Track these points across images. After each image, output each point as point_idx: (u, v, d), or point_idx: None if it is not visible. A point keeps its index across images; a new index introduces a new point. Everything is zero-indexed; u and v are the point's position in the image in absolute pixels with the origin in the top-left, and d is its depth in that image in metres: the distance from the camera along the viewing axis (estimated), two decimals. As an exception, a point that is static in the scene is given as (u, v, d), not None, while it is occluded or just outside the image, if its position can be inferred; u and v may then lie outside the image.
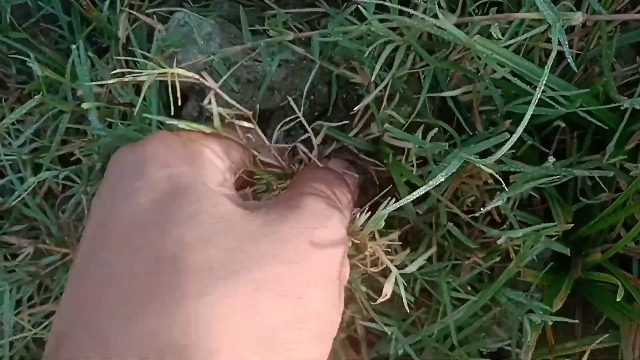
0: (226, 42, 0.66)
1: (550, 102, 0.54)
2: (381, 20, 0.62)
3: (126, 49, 0.70)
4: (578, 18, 0.45)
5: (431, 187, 0.44)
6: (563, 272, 0.61)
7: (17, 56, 0.76)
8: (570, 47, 0.57)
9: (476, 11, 0.63)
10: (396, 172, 0.61)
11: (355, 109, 0.63)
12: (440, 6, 0.61)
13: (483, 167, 0.47)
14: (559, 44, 0.44)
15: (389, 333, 0.57)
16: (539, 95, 0.42)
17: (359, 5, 0.69)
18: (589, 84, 0.57)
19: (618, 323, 0.62)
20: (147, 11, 0.68)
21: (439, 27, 0.53)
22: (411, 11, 0.52)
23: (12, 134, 0.72)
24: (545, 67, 0.42)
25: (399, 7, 0.54)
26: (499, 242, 0.51)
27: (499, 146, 0.44)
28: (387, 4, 0.54)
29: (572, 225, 0.57)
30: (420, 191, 0.43)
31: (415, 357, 0.59)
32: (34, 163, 0.74)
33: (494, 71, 0.60)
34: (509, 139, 0.42)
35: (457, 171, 0.55)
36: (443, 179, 0.44)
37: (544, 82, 0.44)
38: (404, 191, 0.62)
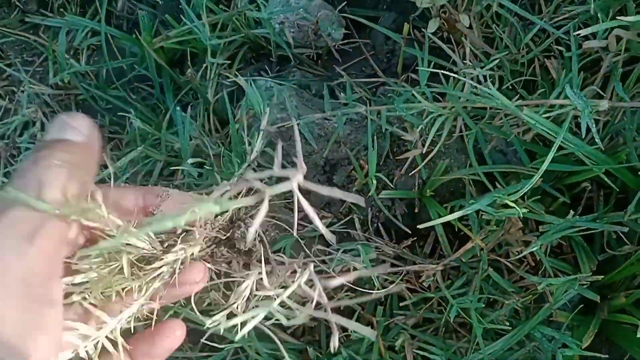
0: (301, 105, 0.78)
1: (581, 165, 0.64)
2: (433, 91, 0.73)
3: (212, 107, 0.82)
4: (604, 105, 0.55)
5: (455, 217, 0.55)
6: (590, 314, 0.70)
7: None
8: (597, 122, 0.66)
9: (515, 86, 0.74)
10: (433, 210, 0.72)
11: (402, 156, 0.75)
12: (485, 79, 0.73)
13: (508, 202, 0.58)
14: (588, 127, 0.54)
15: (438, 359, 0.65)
16: (555, 150, 0.53)
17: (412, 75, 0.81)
18: (614, 151, 0.67)
19: (640, 360, 0.69)
20: (229, 80, 0.80)
21: (487, 97, 0.64)
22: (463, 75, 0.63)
23: (111, 176, 0.84)
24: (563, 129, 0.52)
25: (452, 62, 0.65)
26: (539, 287, 0.60)
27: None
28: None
29: (598, 273, 0.66)
30: (452, 216, 0.55)
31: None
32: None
33: (524, 134, 0.71)
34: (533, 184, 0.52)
35: (500, 226, 0.65)
36: (472, 211, 0.57)
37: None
38: (440, 230, 0.73)
